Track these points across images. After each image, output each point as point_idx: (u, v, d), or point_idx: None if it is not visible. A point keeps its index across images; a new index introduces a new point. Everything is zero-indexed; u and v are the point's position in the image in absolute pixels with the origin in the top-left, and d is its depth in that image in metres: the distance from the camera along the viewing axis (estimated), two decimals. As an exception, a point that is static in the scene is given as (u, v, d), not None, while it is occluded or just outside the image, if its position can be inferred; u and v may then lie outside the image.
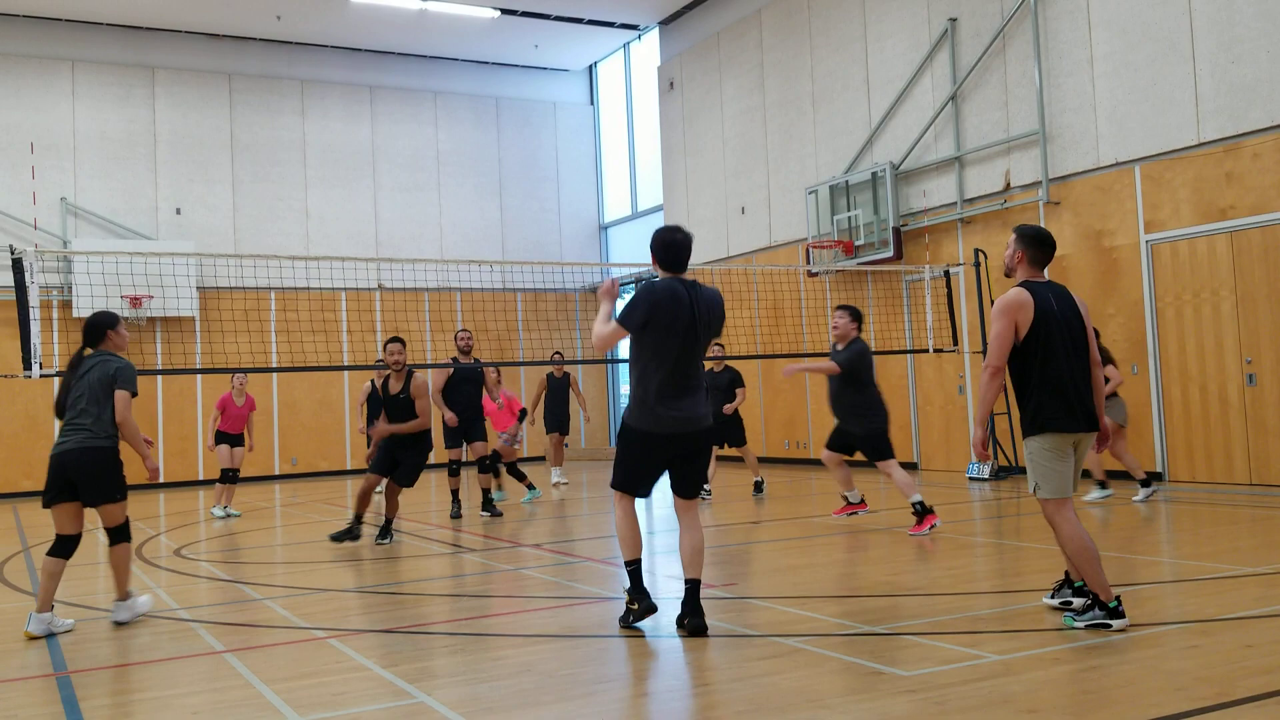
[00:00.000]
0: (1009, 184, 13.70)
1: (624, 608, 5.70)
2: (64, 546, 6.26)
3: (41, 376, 9.22)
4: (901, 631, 5.31)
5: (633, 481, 5.62)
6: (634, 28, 21.46)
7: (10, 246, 9.61)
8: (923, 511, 8.80)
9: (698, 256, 19.24)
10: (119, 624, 6.26)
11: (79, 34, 19.10)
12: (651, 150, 21.82)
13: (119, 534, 6.38)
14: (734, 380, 12.73)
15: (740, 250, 18.48)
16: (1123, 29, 12.27)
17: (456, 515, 11.28)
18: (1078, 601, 5.50)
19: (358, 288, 20.08)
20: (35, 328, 8.99)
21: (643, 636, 5.49)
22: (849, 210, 15.65)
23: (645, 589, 5.58)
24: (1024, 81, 13.45)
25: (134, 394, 6.28)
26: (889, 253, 15.03)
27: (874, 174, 15.26)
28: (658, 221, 21.29)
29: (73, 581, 8.35)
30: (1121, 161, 12.30)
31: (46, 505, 6.22)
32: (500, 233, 22.30)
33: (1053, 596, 5.73)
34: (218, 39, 20.14)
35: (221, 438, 12.82)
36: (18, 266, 9.08)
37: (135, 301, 17.96)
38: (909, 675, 4.49)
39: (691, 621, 5.41)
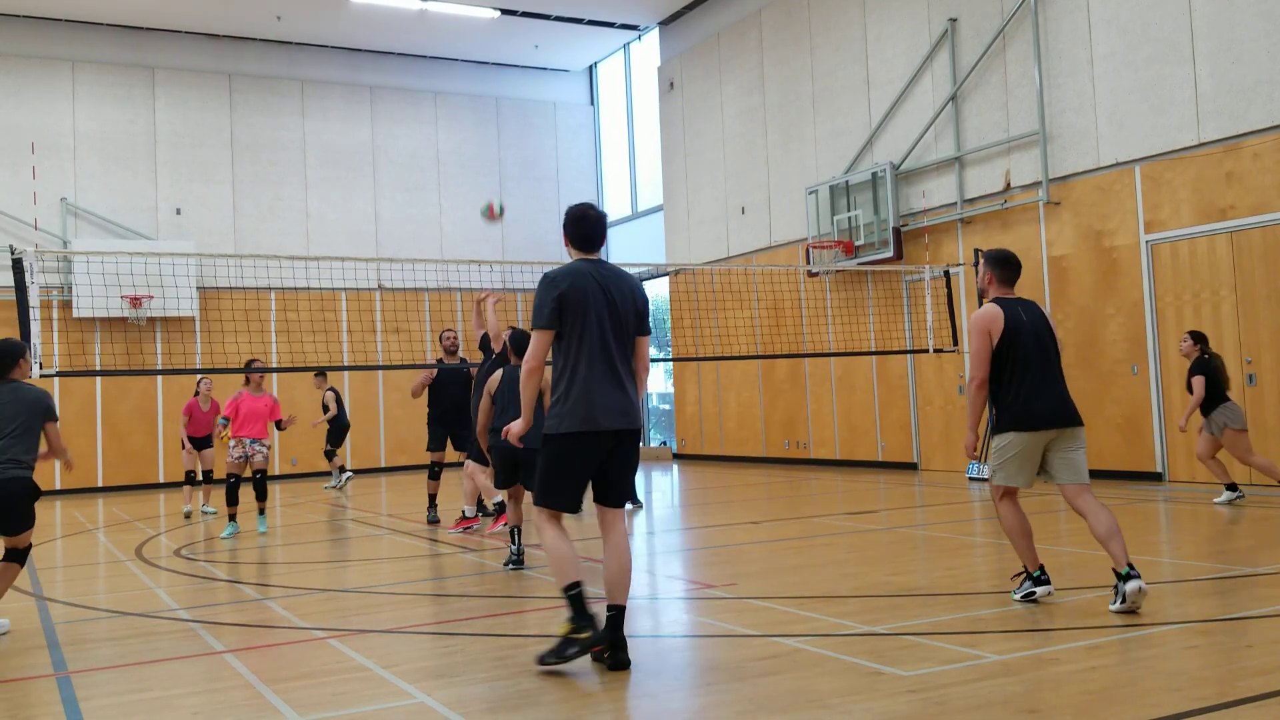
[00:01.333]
0: (1009, 184, 13.70)
1: (558, 642, 4.81)
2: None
3: (42, 377, 9.21)
4: (901, 631, 5.30)
5: (564, 494, 4.95)
6: (634, 28, 21.45)
7: (10, 246, 9.61)
8: (499, 513, 9.84)
9: (698, 256, 19.26)
10: None
11: (79, 34, 19.10)
12: (651, 150, 21.82)
13: (20, 555, 6.18)
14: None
15: (740, 250, 18.48)
16: (1123, 29, 12.27)
17: (434, 520, 11.06)
18: (1131, 583, 5.38)
19: (358, 288, 20.08)
20: (35, 328, 8.99)
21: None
22: (849, 210, 15.64)
23: (593, 613, 4.82)
24: (1024, 81, 13.45)
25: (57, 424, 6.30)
26: (889, 253, 15.03)
27: (874, 174, 15.26)
28: (658, 221, 21.30)
29: (71, 582, 8.36)
30: (1121, 161, 12.30)
31: None
32: (500, 232, 22.30)
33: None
34: (218, 39, 20.14)
35: (189, 442, 13.03)
36: (18, 266, 9.08)
37: (135, 301, 17.96)
38: (909, 675, 4.48)
39: (614, 656, 4.78)
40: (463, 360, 11.85)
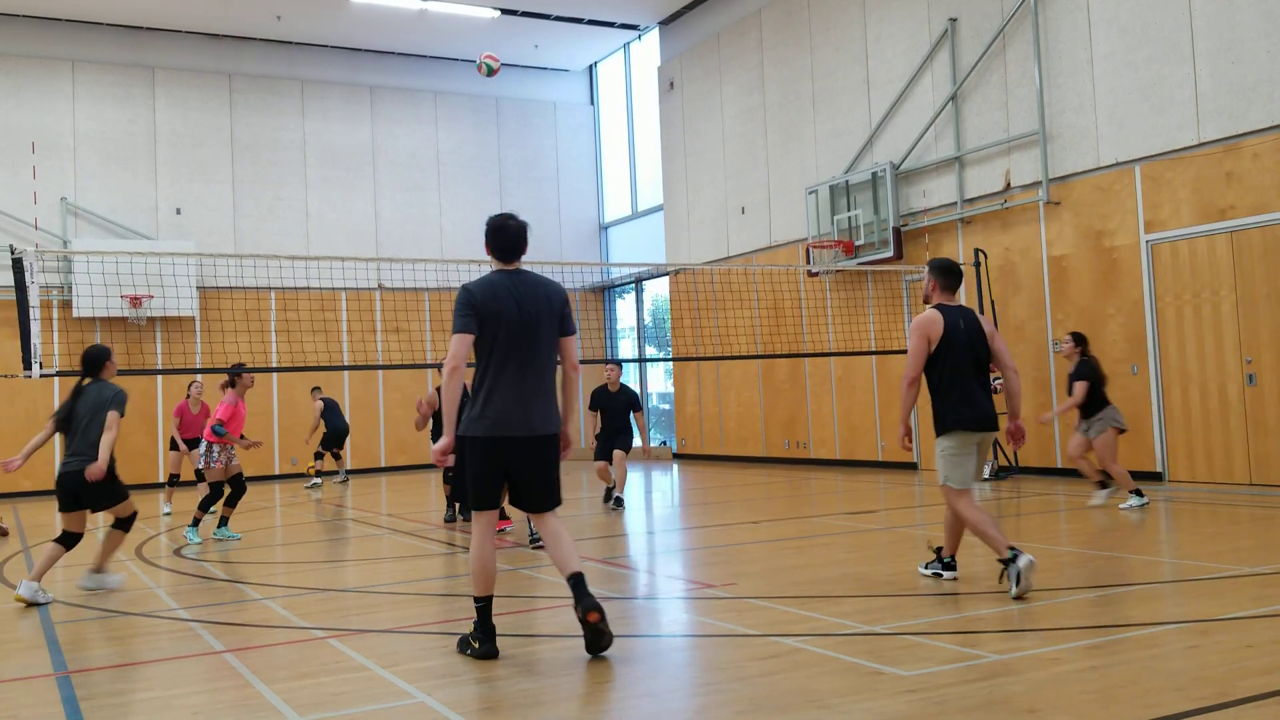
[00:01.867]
0: (1009, 184, 13.70)
1: (460, 637, 5.24)
2: (69, 540, 7.30)
3: (41, 376, 9.22)
4: (901, 631, 5.30)
5: (475, 494, 5.10)
6: (634, 28, 21.45)
7: (10, 246, 9.62)
8: None
9: (698, 256, 19.25)
10: (82, 588, 7.37)
11: (79, 34, 19.10)
12: (651, 150, 21.82)
13: (123, 524, 7.55)
14: (631, 403, 11.88)
15: (740, 250, 18.47)
16: (1123, 29, 12.27)
17: (451, 519, 11.27)
18: (1022, 558, 5.90)
19: (358, 288, 20.08)
20: (35, 328, 9.00)
21: (637, 637, 5.49)
22: (849, 210, 15.64)
23: (493, 629, 5.09)
24: (1024, 81, 13.45)
25: (121, 415, 7.22)
26: (889, 253, 15.02)
27: (874, 174, 15.26)
28: (658, 221, 21.30)
29: (72, 581, 8.35)
30: (1121, 161, 12.30)
31: (61, 510, 7.36)
32: (500, 233, 22.26)
33: (925, 566, 6.78)
34: (218, 39, 20.14)
35: (182, 444, 13.22)
36: (18, 266, 9.09)
37: (135, 301, 17.96)
38: (909, 675, 4.48)
39: (585, 601, 4.89)
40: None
